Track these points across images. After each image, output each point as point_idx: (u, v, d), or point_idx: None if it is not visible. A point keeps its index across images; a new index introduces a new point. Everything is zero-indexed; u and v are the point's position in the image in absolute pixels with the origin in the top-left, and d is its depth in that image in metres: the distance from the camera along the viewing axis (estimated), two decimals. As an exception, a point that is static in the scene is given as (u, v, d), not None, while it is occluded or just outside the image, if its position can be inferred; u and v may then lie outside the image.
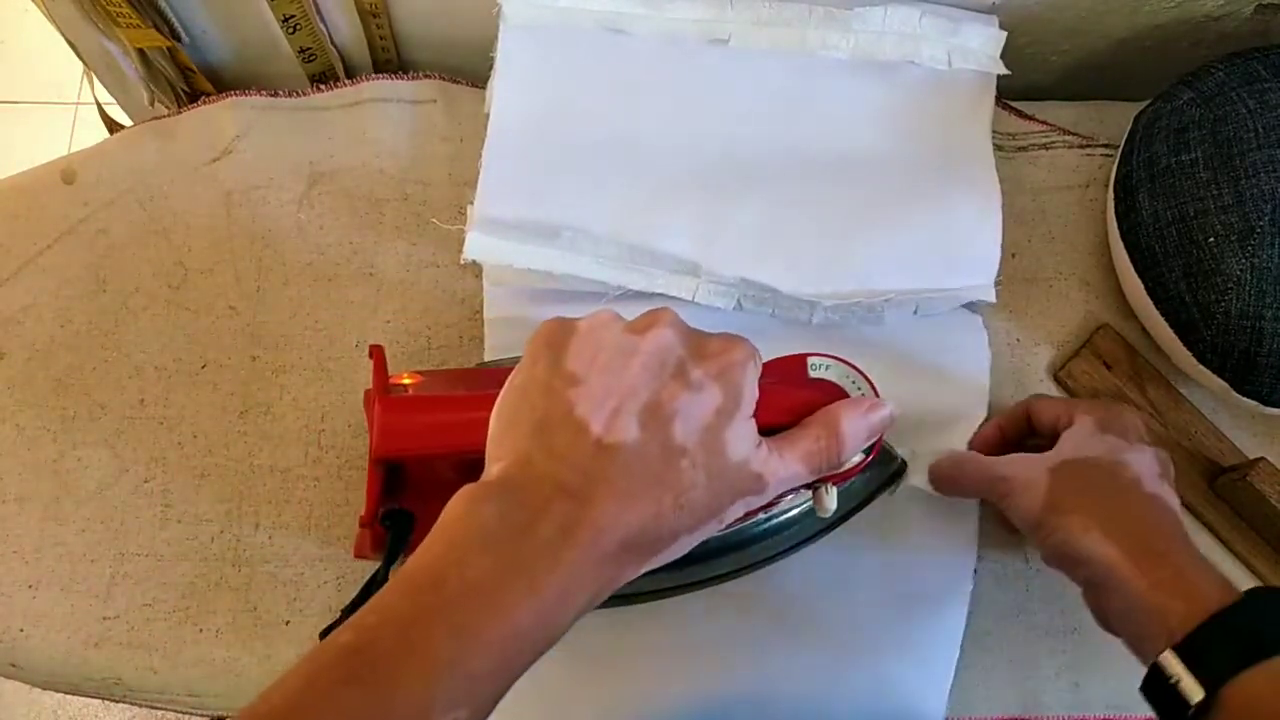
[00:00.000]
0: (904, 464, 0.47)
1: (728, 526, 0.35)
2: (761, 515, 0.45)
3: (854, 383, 0.40)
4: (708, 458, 0.33)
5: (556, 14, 0.53)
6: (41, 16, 0.55)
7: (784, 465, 0.35)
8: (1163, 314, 0.50)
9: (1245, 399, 0.49)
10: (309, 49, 0.59)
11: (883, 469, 0.47)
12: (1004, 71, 0.54)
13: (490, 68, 0.54)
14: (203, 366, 0.52)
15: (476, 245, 0.49)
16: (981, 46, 0.55)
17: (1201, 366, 0.49)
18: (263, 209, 0.55)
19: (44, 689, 0.50)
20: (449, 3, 0.57)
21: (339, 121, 0.56)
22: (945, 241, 0.51)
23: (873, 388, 0.40)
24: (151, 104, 0.60)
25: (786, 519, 0.46)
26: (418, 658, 0.29)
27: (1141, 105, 0.54)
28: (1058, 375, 0.53)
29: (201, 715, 0.49)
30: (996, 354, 0.53)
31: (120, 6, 0.52)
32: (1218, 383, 0.49)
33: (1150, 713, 0.48)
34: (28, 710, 1.06)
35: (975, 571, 0.49)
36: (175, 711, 0.49)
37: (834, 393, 0.40)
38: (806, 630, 0.48)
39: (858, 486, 0.46)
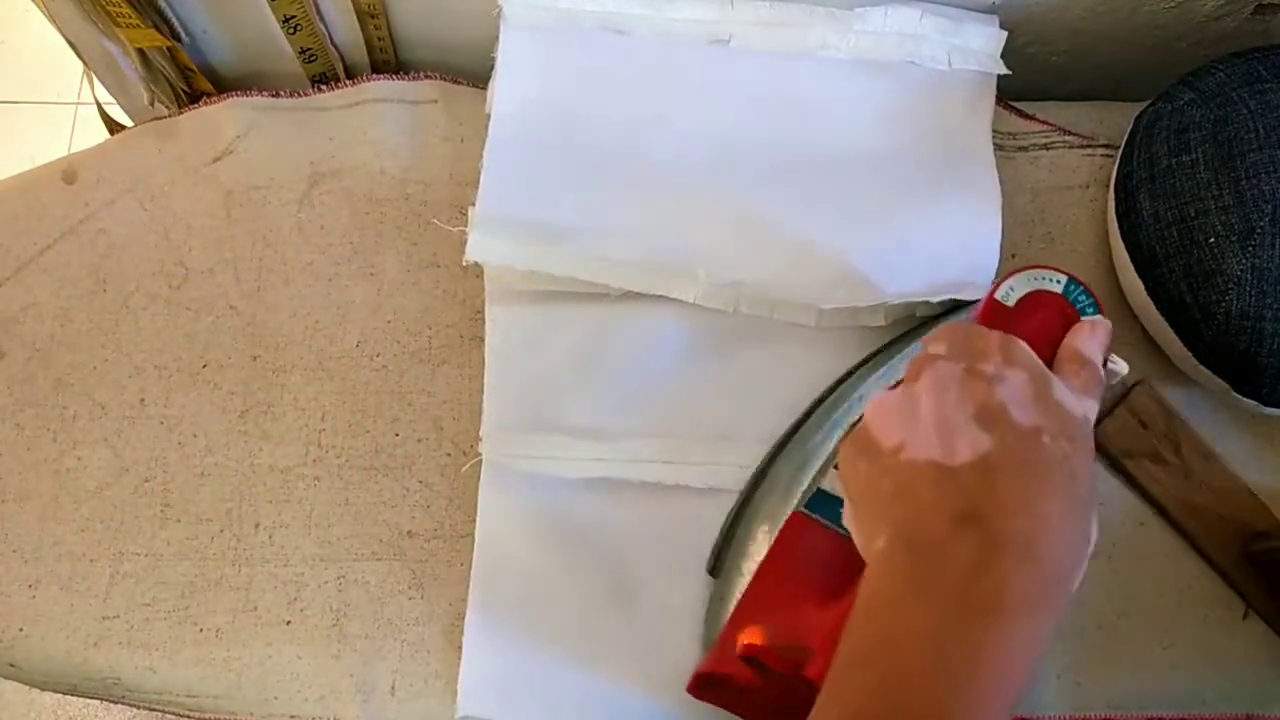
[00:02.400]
0: None
1: None
2: None
3: (1045, 279, 0.42)
4: (1061, 424, 0.33)
5: (557, 14, 0.53)
6: (42, 16, 0.55)
7: (1085, 405, 0.36)
8: (1163, 314, 0.50)
9: (1245, 399, 0.49)
10: (310, 49, 0.59)
11: None
12: (1004, 71, 0.54)
13: (491, 68, 0.54)
14: (203, 366, 0.52)
15: (478, 246, 0.49)
16: (982, 46, 0.55)
17: (1201, 367, 0.49)
18: (263, 209, 0.55)
19: (43, 689, 0.50)
20: (448, 4, 0.57)
21: (340, 122, 0.56)
22: (945, 243, 0.51)
23: (1068, 273, 0.42)
24: (152, 104, 0.60)
25: None
26: None
27: (1142, 105, 0.54)
28: (1107, 449, 0.51)
29: (199, 717, 0.49)
30: (997, 354, 0.53)
31: (120, 6, 0.52)
32: (1218, 383, 0.49)
33: (1151, 712, 0.48)
34: (28, 710, 1.06)
35: (975, 572, 0.49)
36: (173, 714, 0.49)
37: (1051, 304, 0.41)
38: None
39: None
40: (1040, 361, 0.36)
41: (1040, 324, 0.40)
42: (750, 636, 0.39)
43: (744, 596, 0.42)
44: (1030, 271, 0.42)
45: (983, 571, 0.30)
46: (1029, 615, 0.30)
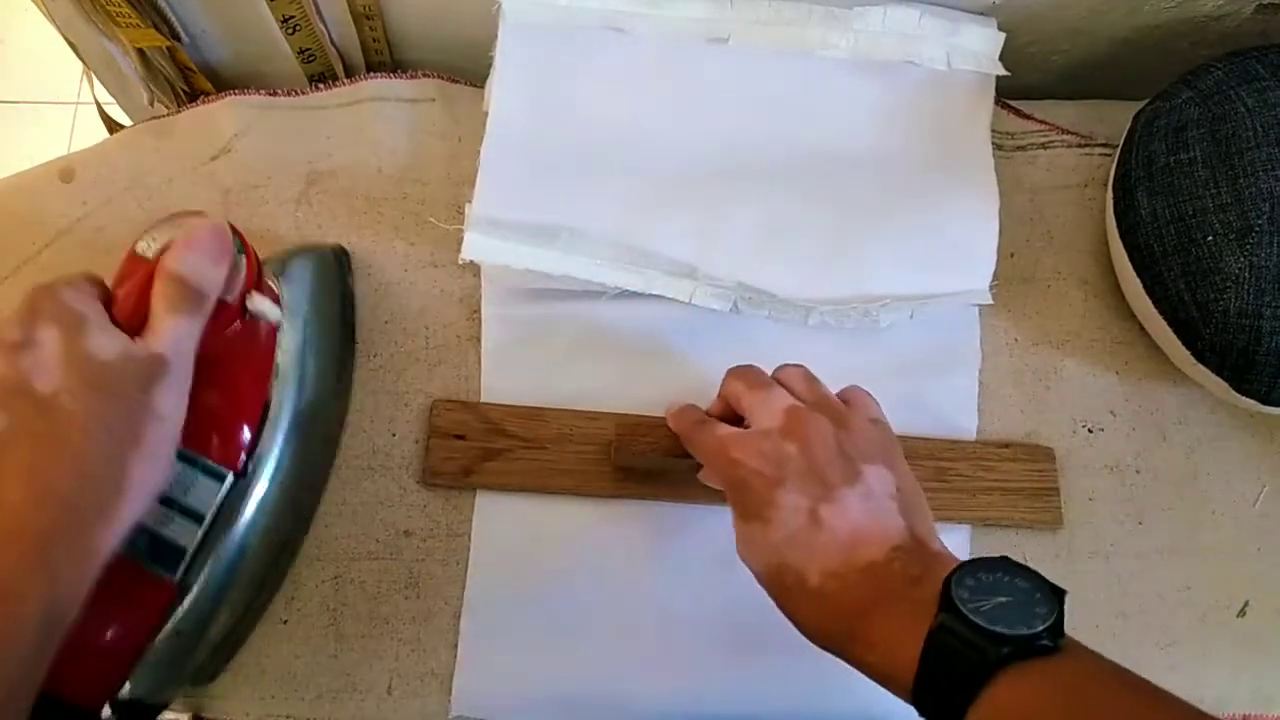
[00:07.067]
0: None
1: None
2: None
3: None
4: (88, 377, 0.33)
5: (556, 13, 0.53)
6: (41, 16, 0.55)
7: (160, 328, 0.36)
8: (1161, 313, 0.50)
9: (1244, 398, 0.49)
10: (309, 49, 0.59)
11: None
12: (1003, 73, 0.54)
13: (489, 67, 0.54)
14: (200, 365, 0.52)
15: (474, 245, 0.49)
16: (981, 47, 0.54)
17: (1200, 366, 0.49)
18: (261, 208, 0.55)
19: (42, 688, 0.50)
20: (446, 3, 0.57)
21: (337, 121, 0.56)
22: (943, 245, 0.51)
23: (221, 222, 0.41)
24: (151, 104, 0.60)
25: None
26: None
27: (1141, 105, 0.54)
28: (427, 480, 0.49)
29: (196, 717, 0.49)
30: (995, 354, 0.53)
31: (120, 6, 0.52)
32: (1217, 382, 0.49)
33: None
34: (27, 710, 1.06)
35: (973, 571, 0.49)
36: (171, 711, 0.49)
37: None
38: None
39: None
40: (86, 311, 0.35)
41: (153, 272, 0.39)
42: None
43: None
44: (176, 219, 0.40)
45: None
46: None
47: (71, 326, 0.34)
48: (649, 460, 0.48)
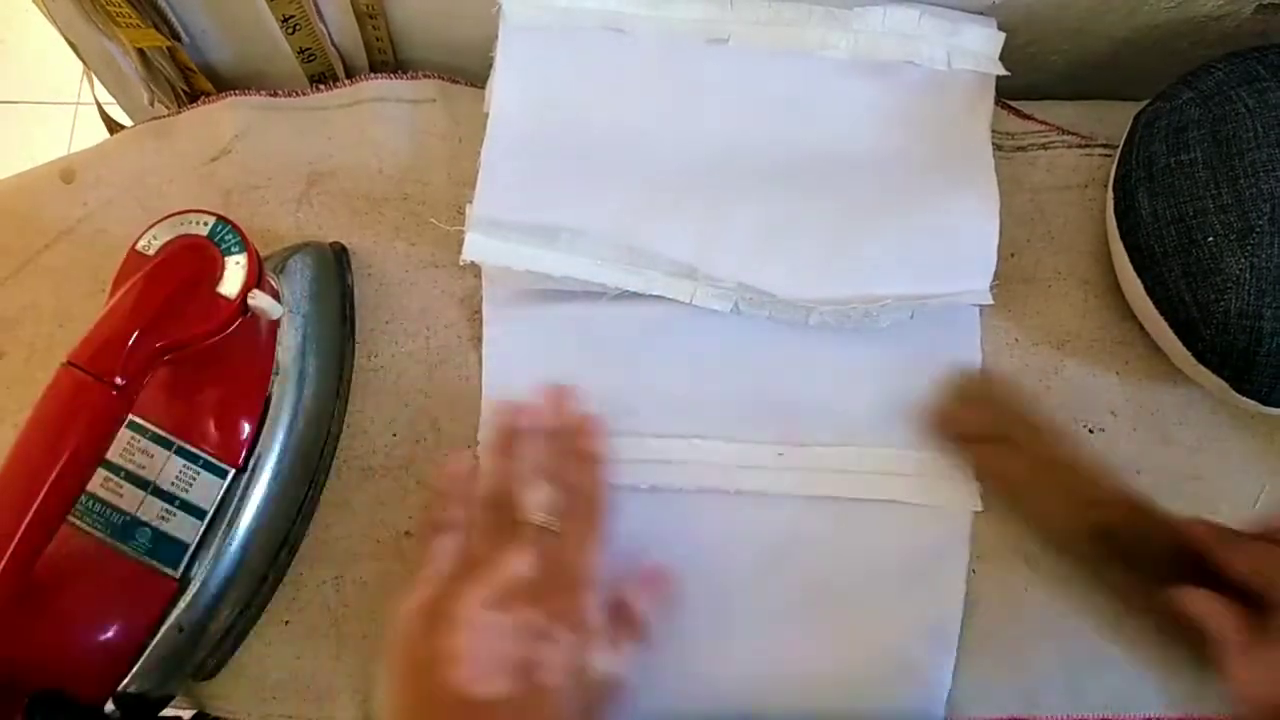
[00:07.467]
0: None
1: None
2: None
3: (191, 222, 0.43)
4: (575, 684, 0.38)
5: (556, 14, 0.53)
6: (42, 16, 0.55)
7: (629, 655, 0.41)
8: (1162, 314, 0.50)
9: (1244, 399, 0.49)
10: (309, 49, 0.59)
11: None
12: (1003, 73, 0.54)
13: (489, 67, 0.54)
14: (201, 366, 0.52)
15: (475, 246, 0.49)
16: (980, 48, 0.55)
17: (1201, 366, 0.49)
18: (262, 208, 0.55)
19: (43, 688, 0.50)
20: (448, 4, 0.57)
21: (338, 121, 0.56)
22: (943, 245, 0.51)
23: (218, 215, 0.43)
24: (152, 104, 0.60)
25: None
26: None
27: (1141, 105, 0.54)
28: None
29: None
30: (995, 354, 0.53)
31: (120, 6, 0.52)
32: (1217, 382, 0.49)
33: (1148, 712, 0.48)
34: (28, 710, 1.06)
35: (974, 571, 0.49)
36: (173, 708, 0.49)
37: (193, 247, 0.42)
38: (804, 633, 0.48)
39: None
40: (603, 620, 0.40)
41: (179, 269, 0.41)
42: None
43: None
44: (177, 217, 0.42)
45: None
46: None
47: (585, 641, 0.39)
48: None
